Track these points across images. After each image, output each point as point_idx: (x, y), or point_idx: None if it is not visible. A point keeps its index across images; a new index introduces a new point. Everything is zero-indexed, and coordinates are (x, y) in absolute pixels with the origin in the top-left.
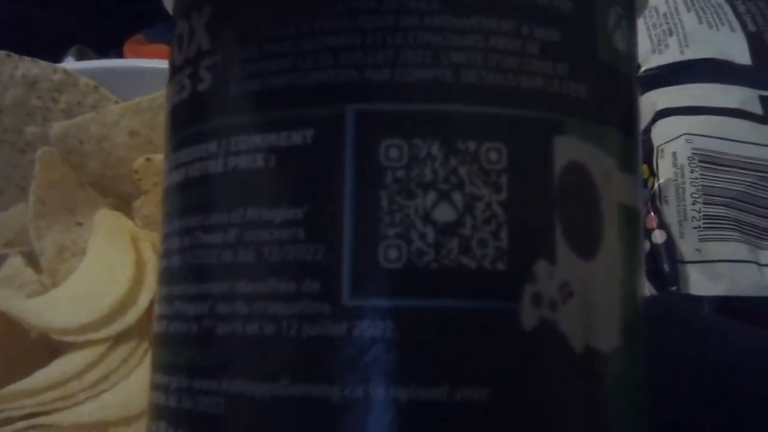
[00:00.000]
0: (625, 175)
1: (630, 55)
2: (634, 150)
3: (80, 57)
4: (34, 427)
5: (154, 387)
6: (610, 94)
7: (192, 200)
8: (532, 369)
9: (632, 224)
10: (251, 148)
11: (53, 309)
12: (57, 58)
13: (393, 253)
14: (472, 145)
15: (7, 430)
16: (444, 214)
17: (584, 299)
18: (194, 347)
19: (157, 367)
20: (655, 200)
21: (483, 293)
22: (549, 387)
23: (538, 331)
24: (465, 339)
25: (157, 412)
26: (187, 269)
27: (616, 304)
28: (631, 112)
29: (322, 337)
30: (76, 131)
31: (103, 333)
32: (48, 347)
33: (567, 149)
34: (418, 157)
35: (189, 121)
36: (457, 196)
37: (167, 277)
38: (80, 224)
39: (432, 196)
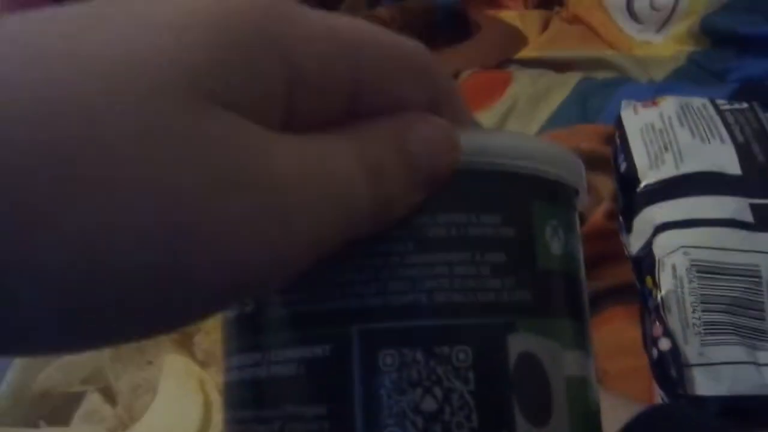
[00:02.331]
0: (572, 352)
1: (569, 253)
2: (579, 329)
3: None
4: None
5: None
6: (552, 293)
7: (246, 396)
8: None
9: (580, 391)
10: (287, 359)
11: None
12: None
13: None
14: (445, 350)
15: None
16: (428, 405)
17: None
18: None
19: None
20: (659, 310)
21: None
22: None
23: None
24: None
25: None
26: None
27: None
28: (572, 301)
29: None
30: None
31: None
32: None
33: (518, 344)
34: (406, 361)
35: (240, 335)
36: (437, 390)
37: None
38: (150, 363)
39: (419, 391)
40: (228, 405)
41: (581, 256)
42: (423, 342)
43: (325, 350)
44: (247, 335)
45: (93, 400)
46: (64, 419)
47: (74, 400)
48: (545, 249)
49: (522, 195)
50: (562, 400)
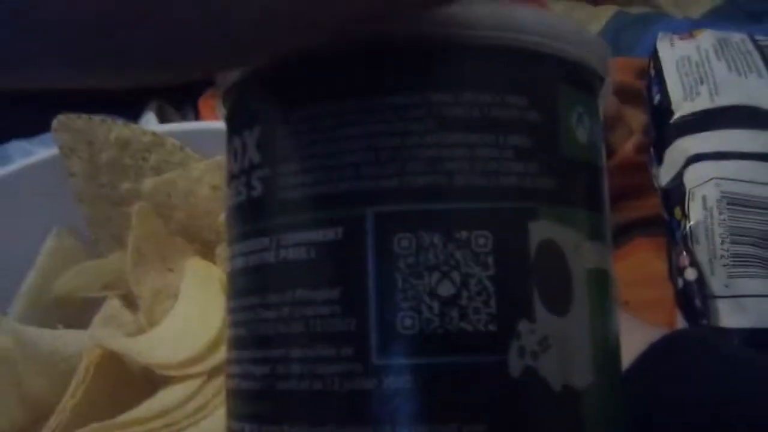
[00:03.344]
0: (593, 244)
1: (593, 142)
2: (600, 222)
3: (159, 113)
4: None
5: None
6: (575, 181)
7: (252, 283)
8: (520, 407)
9: (600, 283)
10: (297, 243)
11: (155, 347)
12: (137, 112)
13: (408, 322)
14: (464, 234)
15: None
16: (446, 289)
17: (560, 348)
18: (261, 400)
19: (233, 415)
20: (687, 240)
21: (479, 350)
22: (535, 420)
23: (523, 376)
24: (466, 386)
25: None
26: (251, 338)
27: (587, 349)
28: (594, 192)
29: (357, 390)
30: (165, 186)
31: (200, 368)
32: (149, 380)
33: (540, 231)
34: (423, 245)
35: (246, 220)
36: (455, 275)
37: (236, 343)
38: (171, 270)
39: (436, 275)
40: (232, 294)
41: (603, 147)
42: (441, 225)
43: (338, 233)
44: (254, 220)
45: (112, 305)
46: (83, 324)
47: (94, 305)
48: (571, 136)
49: (549, 77)
50: (583, 291)
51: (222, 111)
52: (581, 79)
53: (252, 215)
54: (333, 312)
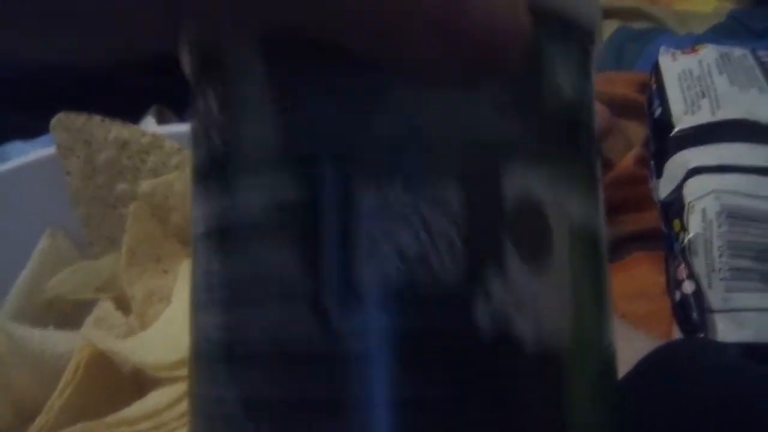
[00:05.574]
0: (580, 201)
1: (581, 99)
2: (588, 180)
3: (160, 117)
4: None
5: None
6: (560, 137)
7: (213, 245)
8: (493, 370)
9: (586, 242)
10: (253, 203)
11: (147, 348)
12: (137, 118)
13: (371, 280)
14: (434, 187)
15: None
16: (412, 247)
17: (536, 309)
18: (218, 365)
19: (194, 380)
20: (685, 253)
21: (448, 309)
22: (509, 386)
23: (495, 338)
24: (435, 349)
25: None
26: (211, 302)
27: (566, 312)
28: (583, 147)
29: (315, 354)
30: (163, 188)
31: None
32: (137, 382)
33: (517, 182)
34: (388, 198)
35: (208, 180)
36: (422, 230)
37: (198, 307)
38: (166, 272)
39: (402, 233)
40: (195, 262)
41: (594, 108)
42: (407, 177)
43: (297, 188)
44: (215, 179)
45: (104, 307)
46: (75, 326)
47: (86, 307)
48: (555, 89)
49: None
50: (564, 249)
51: (185, 66)
52: (567, 31)
53: (213, 174)
54: (291, 272)
